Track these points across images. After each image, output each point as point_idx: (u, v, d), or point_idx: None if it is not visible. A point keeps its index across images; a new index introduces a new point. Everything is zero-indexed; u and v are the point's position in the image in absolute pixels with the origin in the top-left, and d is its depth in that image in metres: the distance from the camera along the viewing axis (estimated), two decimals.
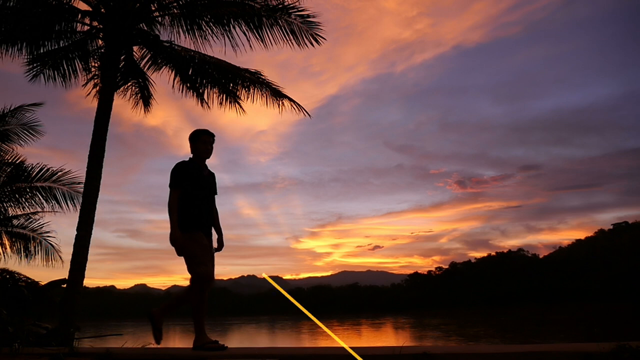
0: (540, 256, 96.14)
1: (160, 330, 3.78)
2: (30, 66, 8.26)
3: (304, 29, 7.37)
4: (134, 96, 9.08)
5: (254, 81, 8.14)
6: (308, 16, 7.28)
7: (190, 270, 3.66)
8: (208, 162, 3.99)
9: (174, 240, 3.64)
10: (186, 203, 3.72)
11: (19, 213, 10.56)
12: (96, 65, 8.50)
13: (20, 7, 7.36)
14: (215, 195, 4.00)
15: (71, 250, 7.08)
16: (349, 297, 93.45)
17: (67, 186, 10.13)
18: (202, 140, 3.91)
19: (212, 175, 4.00)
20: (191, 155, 3.94)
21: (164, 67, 8.50)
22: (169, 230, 3.67)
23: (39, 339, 5.71)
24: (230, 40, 7.58)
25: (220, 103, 8.52)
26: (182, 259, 3.74)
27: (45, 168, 10.05)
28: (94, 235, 7.24)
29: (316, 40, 7.47)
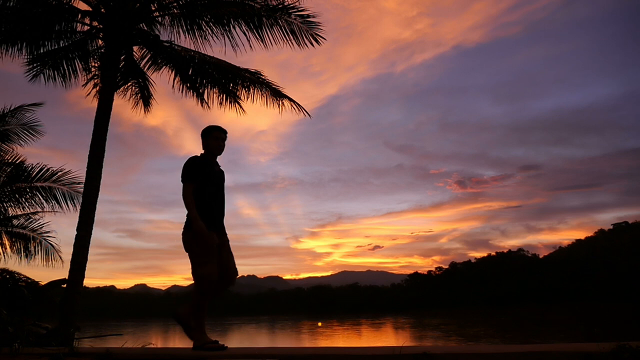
0: (540, 256, 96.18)
1: (192, 329, 3.74)
2: (30, 66, 8.26)
3: (304, 29, 7.37)
4: (134, 96, 9.08)
5: (254, 81, 8.14)
6: (308, 16, 7.29)
7: (192, 269, 3.65)
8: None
9: (198, 231, 3.56)
10: (197, 199, 3.68)
11: (19, 213, 10.56)
12: (96, 65, 8.50)
13: (20, 7, 7.36)
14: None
15: (71, 250, 7.08)
16: (349, 297, 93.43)
17: (67, 186, 10.13)
18: (214, 137, 3.90)
19: (222, 172, 3.98)
20: (203, 151, 3.93)
21: (164, 67, 8.51)
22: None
23: (39, 339, 5.71)
24: (230, 40, 7.59)
25: (220, 103, 8.52)
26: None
27: (45, 168, 10.06)
28: (94, 235, 7.25)
29: (316, 40, 7.47)
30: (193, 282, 3.67)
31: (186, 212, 3.70)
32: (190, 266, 3.68)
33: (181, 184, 3.73)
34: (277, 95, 8.12)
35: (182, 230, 3.72)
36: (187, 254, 3.71)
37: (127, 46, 8.03)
